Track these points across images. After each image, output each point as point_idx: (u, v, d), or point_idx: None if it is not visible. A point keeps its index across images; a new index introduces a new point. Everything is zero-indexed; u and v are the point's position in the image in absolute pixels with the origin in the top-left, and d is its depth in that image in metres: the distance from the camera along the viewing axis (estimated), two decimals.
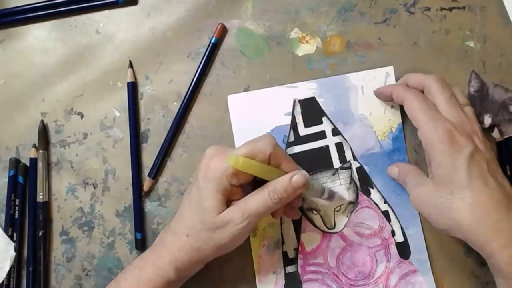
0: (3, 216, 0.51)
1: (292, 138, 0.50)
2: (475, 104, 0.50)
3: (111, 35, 0.54)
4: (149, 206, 0.52)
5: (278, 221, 0.50)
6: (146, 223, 0.51)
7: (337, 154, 0.50)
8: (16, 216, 0.51)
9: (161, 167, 0.52)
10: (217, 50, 0.53)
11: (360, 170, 0.50)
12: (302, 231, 0.49)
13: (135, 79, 0.53)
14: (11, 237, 0.51)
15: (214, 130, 0.52)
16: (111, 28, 0.54)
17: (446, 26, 0.52)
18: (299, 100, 0.50)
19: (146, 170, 0.52)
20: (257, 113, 0.50)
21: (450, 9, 0.52)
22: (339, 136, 0.50)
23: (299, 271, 0.49)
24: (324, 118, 0.50)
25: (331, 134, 0.50)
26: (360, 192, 0.49)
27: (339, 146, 0.50)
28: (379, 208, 0.49)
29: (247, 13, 0.53)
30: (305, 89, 0.51)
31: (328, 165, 0.50)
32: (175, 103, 0.53)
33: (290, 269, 0.49)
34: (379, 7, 0.52)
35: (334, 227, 0.49)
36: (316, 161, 0.50)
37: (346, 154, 0.50)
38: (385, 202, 0.49)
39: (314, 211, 0.49)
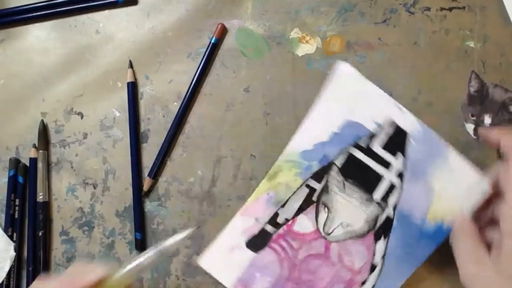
0: (3, 216, 0.51)
1: (363, 143, 0.48)
2: (475, 104, 0.50)
3: (111, 35, 0.54)
4: (149, 206, 0.52)
5: (296, 186, 0.48)
6: (146, 223, 0.51)
7: (384, 191, 0.47)
8: (16, 216, 0.51)
9: (161, 167, 0.52)
10: (217, 50, 0.53)
11: (388, 220, 0.47)
12: (303, 212, 0.48)
13: (135, 79, 0.53)
14: (11, 237, 0.51)
15: (214, 130, 0.52)
16: (111, 28, 0.54)
17: (446, 26, 0.52)
18: (397, 126, 0.47)
19: (146, 170, 0.52)
20: (355, 98, 0.48)
21: (450, 9, 0.52)
22: (399, 181, 0.47)
23: (273, 237, 0.48)
24: (400, 156, 0.47)
25: (394, 173, 0.47)
26: (372, 232, 0.48)
27: (391, 187, 0.47)
28: (374, 257, 0.48)
29: (247, 13, 0.53)
30: (407, 120, 0.47)
31: (369, 189, 0.48)
32: (175, 103, 0.53)
33: (269, 228, 0.48)
34: (379, 7, 0.52)
35: (329, 234, 0.48)
36: (363, 177, 0.47)
37: (390, 199, 0.47)
38: (383, 257, 0.47)
39: (326, 208, 0.48)
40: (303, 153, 0.48)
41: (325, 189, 0.48)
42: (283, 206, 0.48)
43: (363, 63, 0.52)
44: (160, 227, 0.51)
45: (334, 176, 0.48)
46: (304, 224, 0.48)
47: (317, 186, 0.48)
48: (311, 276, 0.48)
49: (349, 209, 0.48)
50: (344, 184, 0.48)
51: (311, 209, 0.48)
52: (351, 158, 0.47)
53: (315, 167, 0.48)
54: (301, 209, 0.48)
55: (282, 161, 0.48)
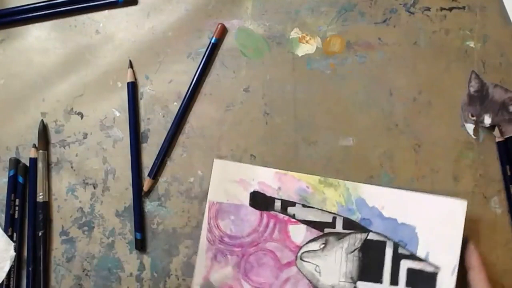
0: (3, 216, 0.51)
1: (405, 251, 0.48)
2: (475, 104, 0.50)
3: (111, 35, 0.54)
4: (149, 206, 0.52)
5: (328, 209, 0.48)
6: (146, 223, 0.51)
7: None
8: (16, 216, 0.51)
9: (161, 167, 0.52)
10: (217, 50, 0.53)
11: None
12: (308, 226, 0.49)
13: (135, 79, 0.53)
14: (11, 237, 0.51)
15: (214, 130, 0.52)
16: (111, 28, 0.54)
17: (446, 26, 0.52)
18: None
19: (146, 170, 0.52)
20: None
21: (450, 9, 0.52)
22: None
23: (271, 212, 0.49)
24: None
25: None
26: None
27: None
28: None
29: (247, 13, 0.53)
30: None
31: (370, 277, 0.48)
32: (175, 103, 0.53)
33: (277, 204, 0.49)
34: (379, 7, 0.52)
35: (302, 260, 0.48)
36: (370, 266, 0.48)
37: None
38: None
39: (322, 246, 0.48)
40: (360, 200, 0.48)
41: (337, 236, 0.48)
42: (304, 206, 0.49)
43: (363, 63, 0.52)
44: (160, 227, 0.51)
45: (353, 241, 0.48)
46: (297, 234, 0.49)
47: (337, 228, 0.48)
48: (256, 263, 0.49)
49: (332, 266, 0.48)
50: (353, 252, 0.48)
51: (315, 233, 0.49)
52: (373, 245, 0.48)
53: (354, 217, 0.48)
54: (309, 223, 0.49)
55: (345, 185, 0.48)
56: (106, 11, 0.55)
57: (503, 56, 0.51)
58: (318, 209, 0.49)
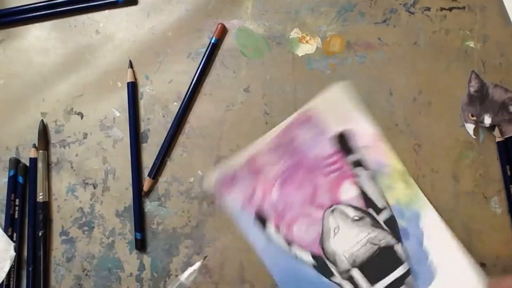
0: (3, 216, 0.51)
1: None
2: (475, 104, 0.50)
3: (111, 35, 0.54)
4: (149, 206, 0.52)
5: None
6: (146, 223, 0.51)
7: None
8: (16, 216, 0.51)
9: (161, 167, 0.52)
10: (217, 50, 0.53)
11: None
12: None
13: (135, 79, 0.53)
14: (11, 237, 0.51)
15: (214, 130, 0.52)
16: (111, 28, 0.54)
17: (446, 26, 0.52)
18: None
19: (146, 170, 0.52)
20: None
21: (450, 9, 0.52)
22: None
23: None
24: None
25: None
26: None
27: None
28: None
29: (247, 13, 0.53)
30: None
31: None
32: (175, 103, 0.53)
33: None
34: (379, 7, 0.52)
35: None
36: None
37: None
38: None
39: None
40: (416, 214, 0.49)
41: (374, 222, 0.49)
42: (372, 178, 0.49)
43: (363, 63, 0.52)
44: (160, 227, 0.51)
45: (382, 237, 0.48)
46: (346, 192, 0.49)
47: (379, 218, 0.49)
48: (297, 182, 0.50)
49: (349, 239, 0.48)
50: (373, 245, 0.48)
51: (359, 204, 0.49)
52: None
53: (400, 221, 0.48)
54: (363, 194, 0.49)
55: (417, 193, 0.49)
56: (106, 11, 0.55)
57: (503, 56, 0.51)
58: (380, 191, 0.49)
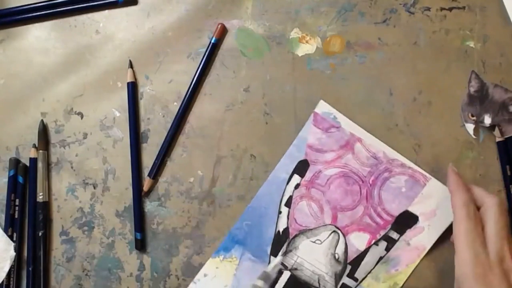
0: (3, 216, 0.51)
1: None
2: (475, 104, 0.50)
3: (111, 35, 0.54)
4: (149, 206, 0.52)
5: None
6: (146, 223, 0.51)
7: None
8: (16, 216, 0.51)
9: (161, 167, 0.52)
10: (217, 50, 0.53)
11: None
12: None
13: (135, 79, 0.53)
14: (11, 237, 0.51)
15: (214, 130, 0.52)
16: (111, 28, 0.54)
17: (446, 26, 0.52)
18: None
19: (146, 170, 0.52)
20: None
21: (450, 9, 0.52)
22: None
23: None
24: None
25: None
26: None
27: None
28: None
29: (247, 13, 0.53)
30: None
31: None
32: (175, 103, 0.53)
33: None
34: (379, 7, 0.52)
35: None
36: None
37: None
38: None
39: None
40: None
41: None
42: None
43: (363, 63, 0.52)
44: (160, 227, 0.51)
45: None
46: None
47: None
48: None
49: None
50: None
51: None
52: None
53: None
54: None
55: None
56: (106, 11, 0.55)
57: (503, 56, 0.51)
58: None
